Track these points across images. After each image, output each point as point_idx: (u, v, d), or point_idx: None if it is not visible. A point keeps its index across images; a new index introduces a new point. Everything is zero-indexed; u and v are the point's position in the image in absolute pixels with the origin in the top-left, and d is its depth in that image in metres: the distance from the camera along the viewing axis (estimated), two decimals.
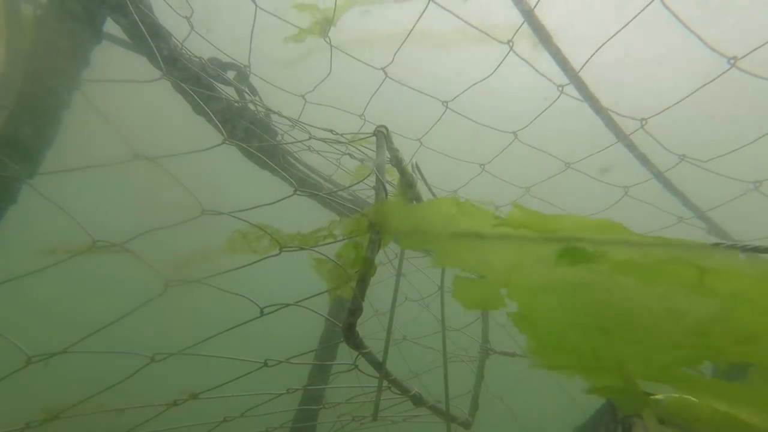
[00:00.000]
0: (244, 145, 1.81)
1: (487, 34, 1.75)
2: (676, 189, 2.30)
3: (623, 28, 1.62)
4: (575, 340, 1.02)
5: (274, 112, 2.04)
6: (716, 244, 0.87)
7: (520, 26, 1.63)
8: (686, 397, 0.99)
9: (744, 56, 1.52)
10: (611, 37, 1.66)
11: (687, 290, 0.86)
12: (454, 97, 2.05)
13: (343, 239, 1.45)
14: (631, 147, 2.07)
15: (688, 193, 2.35)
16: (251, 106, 1.96)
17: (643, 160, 2.14)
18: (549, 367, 1.05)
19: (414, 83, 1.95)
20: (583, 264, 0.98)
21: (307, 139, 1.95)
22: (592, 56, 1.74)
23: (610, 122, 1.96)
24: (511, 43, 1.72)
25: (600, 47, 1.69)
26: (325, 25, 1.86)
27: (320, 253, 1.44)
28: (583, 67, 1.77)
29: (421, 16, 1.74)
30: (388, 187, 1.39)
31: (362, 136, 1.79)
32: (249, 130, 1.93)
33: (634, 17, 1.58)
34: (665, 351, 0.90)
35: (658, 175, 2.20)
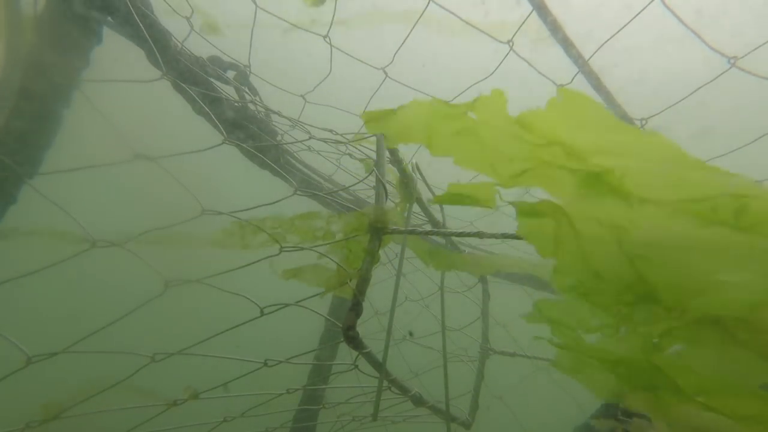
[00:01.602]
0: (244, 145, 1.81)
1: (487, 34, 1.75)
2: None
3: (626, 25, 1.62)
4: (604, 266, 0.93)
5: (274, 112, 2.04)
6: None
7: (528, 15, 1.62)
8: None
9: (744, 56, 1.52)
10: (616, 33, 1.66)
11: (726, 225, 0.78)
12: (454, 98, 2.04)
13: (343, 239, 1.45)
14: None
15: None
16: (251, 106, 1.96)
17: None
18: (572, 291, 0.97)
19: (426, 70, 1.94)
20: (607, 196, 0.89)
21: (307, 139, 1.95)
22: (598, 49, 1.74)
23: (624, 117, 1.94)
24: (511, 43, 1.72)
25: (605, 42, 1.69)
26: None
27: (320, 253, 1.44)
28: (591, 56, 1.75)
29: (420, 16, 1.74)
30: (388, 187, 1.39)
31: (362, 136, 1.79)
32: (254, 132, 1.94)
33: (639, 13, 1.58)
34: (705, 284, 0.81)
35: None
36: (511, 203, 1.04)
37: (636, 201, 0.87)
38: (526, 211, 1.01)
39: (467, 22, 1.79)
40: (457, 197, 1.33)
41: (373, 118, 1.30)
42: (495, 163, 1.10)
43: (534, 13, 1.62)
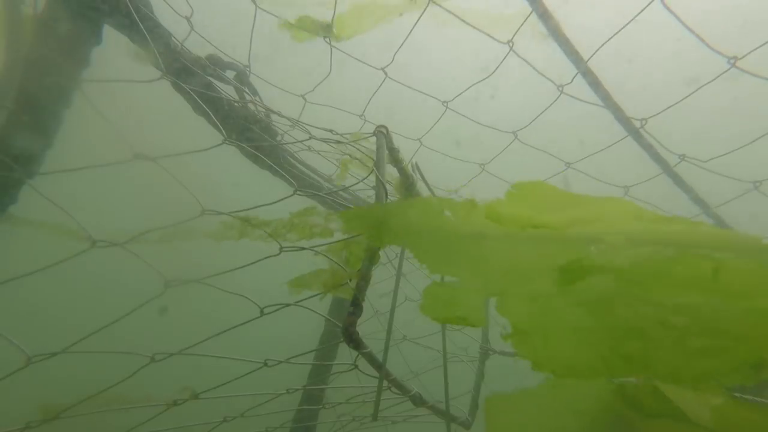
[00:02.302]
0: (244, 145, 1.81)
1: (487, 34, 1.75)
2: (686, 185, 2.25)
3: (628, 24, 1.62)
4: (588, 354, 0.89)
5: (274, 112, 2.04)
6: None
7: (528, 16, 1.62)
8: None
9: (744, 56, 1.52)
10: (616, 33, 1.66)
11: (704, 289, 0.77)
12: (454, 97, 2.05)
13: (343, 239, 1.45)
14: (641, 140, 2.03)
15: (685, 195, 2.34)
16: (251, 106, 1.96)
17: (656, 156, 2.10)
18: (559, 375, 0.92)
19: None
20: (589, 277, 0.87)
21: (307, 139, 1.95)
22: (598, 49, 1.74)
23: (625, 121, 1.93)
24: (511, 44, 1.72)
25: (605, 42, 1.69)
26: None
27: (320, 253, 1.44)
28: (591, 57, 1.75)
29: (421, 16, 1.74)
30: (388, 187, 1.39)
31: (362, 136, 1.79)
32: (255, 134, 1.94)
33: (639, 13, 1.58)
34: (693, 358, 0.79)
35: (668, 171, 2.16)
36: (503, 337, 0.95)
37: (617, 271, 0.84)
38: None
39: (467, 22, 1.79)
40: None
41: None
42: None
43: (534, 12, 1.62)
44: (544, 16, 1.63)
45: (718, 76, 1.59)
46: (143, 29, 1.46)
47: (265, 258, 1.39)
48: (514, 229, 0.98)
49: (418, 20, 1.76)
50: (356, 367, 1.39)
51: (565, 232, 0.94)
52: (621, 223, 0.93)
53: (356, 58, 1.90)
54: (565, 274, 0.88)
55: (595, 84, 1.82)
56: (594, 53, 1.76)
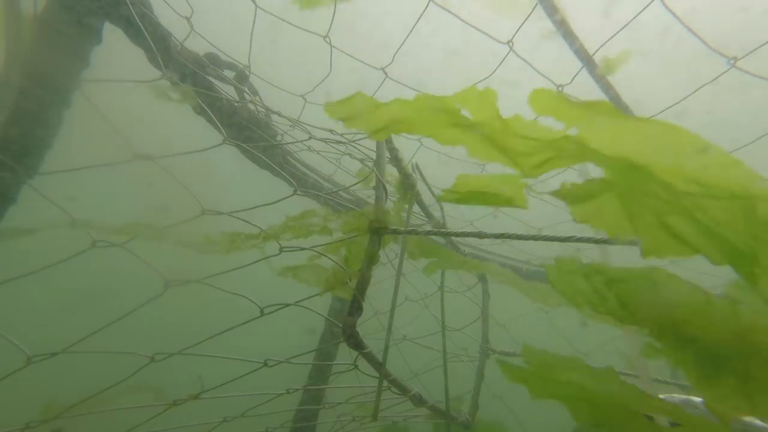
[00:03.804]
0: (244, 145, 1.81)
1: (487, 34, 1.75)
2: None
3: (628, 24, 1.62)
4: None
5: (274, 112, 2.04)
6: None
7: (532, 10, 1.62)
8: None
9: (744, 56, 1.52)
10: (619, 31, 1.66)
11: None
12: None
13: (343, 239, 1.45)
14: None
15: None
16: (251, 106, 1.96)
17: None
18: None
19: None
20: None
21: (307, 139, 1.95)
22: (602, 45, 1.74)
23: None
24: (511, 44, 1.71)
25: (606, 42, 1.68)
26: None
27: (320, 253, 1.44)
28: (595, 53, 1.74)
29: (420, 16, 1.74)
30: (387, 187, 1.39)
31: (362, 136, 1.79)
32: (256, 134, 1.93)
33: (637, 15, 1.58)
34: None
35: None
36: (553, 193, 0.88)
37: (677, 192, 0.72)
38: (577, 195, 0.86)
39: (467, 22, 1.79)
40: (470, 195, 1.04)
41: (345, 111, 0.98)
42: (512, 154, 0.89)
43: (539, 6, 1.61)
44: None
45: (718, 76, 1.59)
46: (143, 29, 1.46)
47: (265, 258, 1.39)
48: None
49: (417, 21, 1.76)
50: (356, 367, 1.39)
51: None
52: (676, 156, 0.71)
53: (356, 58, 1.90)
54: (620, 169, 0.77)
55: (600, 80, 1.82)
56: (598, 49, 1.76)
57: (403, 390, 1.41)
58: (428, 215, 1.90)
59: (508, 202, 1.01)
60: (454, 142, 0.95)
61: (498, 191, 1.02)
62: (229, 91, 1.93)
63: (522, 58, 1.77)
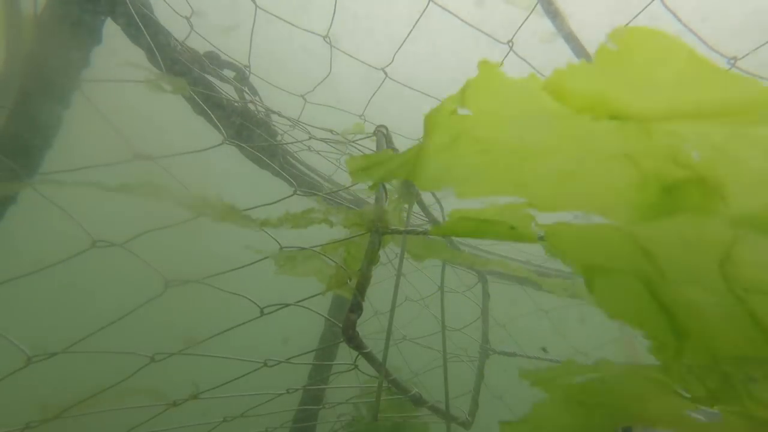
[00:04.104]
0: (244, 145, 1.81)
1: (487, 34, 1.75)
2: None
3: (629, 23, 1.62)
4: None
5: (274, 112, 2.04)
6: None
7: (532, 9, 1.62)
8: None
9: (744, 56, 1.52)
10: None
11: None
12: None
13: (343, 239, 1.45)
14: None
15: None
16: (251, 106, 1.96)
17: None
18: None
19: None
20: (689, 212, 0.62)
21: (307, 139, 1.95)
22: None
23: None
24: (510, 44, 1.71)
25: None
26: None
27: (320, 253, 1.44)
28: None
29: (420, 16, 1.74)
30: (387, 186, 1.39)
31: (362, 136, 1.79)
32: (256, 134, 1.93)
33: (639, 12, 1.58)
34: None
35: None
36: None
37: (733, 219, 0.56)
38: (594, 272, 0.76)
39: (467, 22, 1.79)
40: (470, 228, 0.93)
41: (360, 167, 0.99)
42: (518, 173, 0.75)
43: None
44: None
45: None
46: (143, 29, 1.46)
47: (265, 258, 1.39)
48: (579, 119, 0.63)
49: (417, 21, 1.76)
50: (356, 367, 1.39)
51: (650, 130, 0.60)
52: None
53: (356, 58, 1.90)
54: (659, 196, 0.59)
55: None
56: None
57: (403, 390, 1.41)
58: (428, 215, 1.90)
59: (516, 238, 0.87)
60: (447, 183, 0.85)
61: (501, 225, 0.88)
62: (228, 91, 1.93)
63: (522, 58, 1.77)
